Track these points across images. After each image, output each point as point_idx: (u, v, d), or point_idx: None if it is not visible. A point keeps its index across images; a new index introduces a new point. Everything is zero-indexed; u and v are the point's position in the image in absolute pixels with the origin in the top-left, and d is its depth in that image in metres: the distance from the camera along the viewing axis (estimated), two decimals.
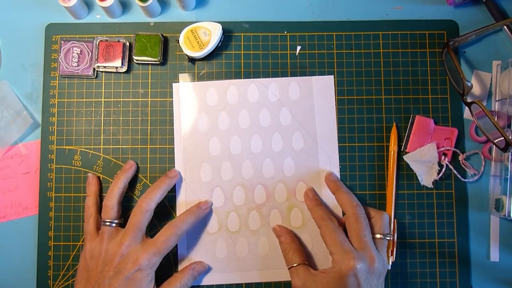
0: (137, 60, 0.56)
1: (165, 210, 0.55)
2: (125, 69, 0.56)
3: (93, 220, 0.52)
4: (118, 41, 0.56)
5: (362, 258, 0.48)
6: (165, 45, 0.57)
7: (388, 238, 0.51)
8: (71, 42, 0.56)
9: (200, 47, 0.55)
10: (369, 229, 0.50)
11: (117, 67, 0.56)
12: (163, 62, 0.57)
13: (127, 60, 0.56)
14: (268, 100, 0.56)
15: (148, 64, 0.57)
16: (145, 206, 0.51)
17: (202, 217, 0.54)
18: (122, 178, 0.53)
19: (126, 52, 0.56)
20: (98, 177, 0.55)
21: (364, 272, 0.47)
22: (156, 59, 0.56)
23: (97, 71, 0.56)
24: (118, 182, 0.53)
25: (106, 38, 0.56)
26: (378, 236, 0.51)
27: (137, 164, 0.55)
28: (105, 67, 0.56)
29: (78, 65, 0.56)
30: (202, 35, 0.55)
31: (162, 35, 0.56)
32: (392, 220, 0.54)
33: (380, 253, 0.50)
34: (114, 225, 0.51)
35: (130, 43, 0.57)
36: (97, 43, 0.56)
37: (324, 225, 0.51)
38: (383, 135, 0.56)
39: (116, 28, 0.57)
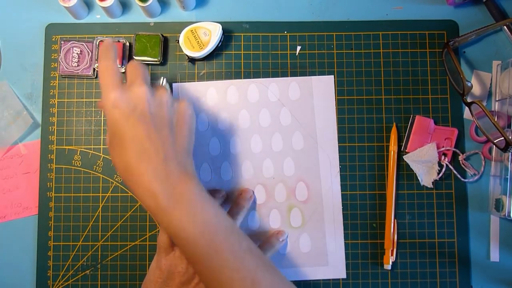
0: (137, 60, 0.56)
1: None
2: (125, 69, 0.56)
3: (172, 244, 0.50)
4: (118, 41, 0.56)
5: (123, 88, 0.44)
6: (165, 45, 0.57)
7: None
8: (71, 42, 0.56)
9: (200, 47, 0.55)
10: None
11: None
12: (163, 62, 0.57)
13: (127, 60, 0.56)
14: (268, 100, 0.56)
15: (148, 64, 0.57)
16: None
17: None
18: None
19: (126, 52, 0.56)
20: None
21: (126, 99, 0.44)
22: (156, 59, 0.56)
23: (97, 71, 0.56)
24: None
25: (106, 38, 0.56)
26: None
27: None
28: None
29: (78, 65, 0.56)
30: (202, 35, 0.55)
31: (162, 35, 0.56)
32: (392, 220, 0.54)
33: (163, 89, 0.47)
34: None
35: (130, 43, 0.56)
36: (97, 43, 0.56)
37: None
38: (383, 135, 0.56)
39: (116, 28, 0.57)
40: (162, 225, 0.45)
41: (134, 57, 0.56)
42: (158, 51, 0.56)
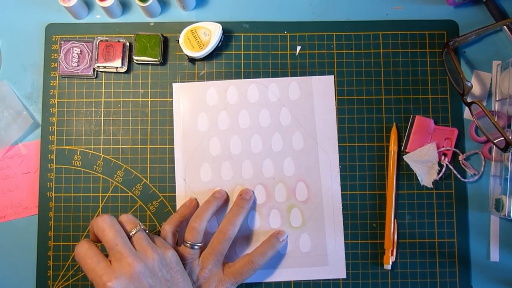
0: (137, 60, 0.56)
1: (165, 211, 0.55)
2: (125, 69, 0.56)
3: (172, 236, 0.51)
4: (118, 41, 0.56)
5: (117, 275, 0.43)
6: (165, 45, 0.57)
7: (136, 230, 0.46)
8: (71, 42, 0.56)
9: (200, 47, 0.55)
10: (120, 234, 0.45)
11: (117, 67, 0.56)
12: (163, 62, 0.57)
13: (127, 60, 0.56)
14: (268, 100, 0.56)
15: (148, 64, 0.57)
16: (230, 234, 0.51)
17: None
18: (214, 206, 0.53)
19: (126, 52, 0.56)
20: (198, 203, 0.55)
21: (125, 285, 0.43)
22: (156, 59, 0.56)
23: (97, 71, 0.56)
24: (209, 208, 0.52)
25: (106, 38, 0.56)
26: (132, 232, 0.47)
27: (227, 195, 0.55)
28: (105, 67, 0.56)
29: (78, 65, 0.56)
30: (202, 35, 0.55)
31: (162, 35, 0.56)
32: (392, 220, 0.54)
33: (146, 247, 0.46)
34: (197, 247, 0.51)
35: (130, 43, 0.57)
36: (97, 43, 0.56)
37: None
38: (383, 135, 0.56)
39: (116, 28, 0.57)
40: None
41: (134, 57, 0.56)
42: (158, 51, 0.56)
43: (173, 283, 0.46)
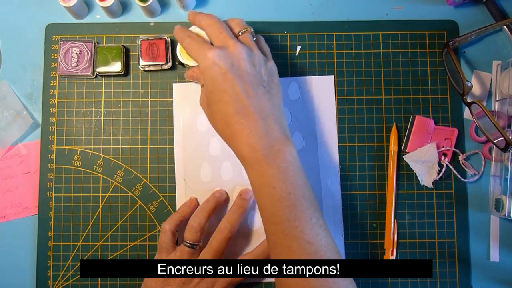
0: (99, 72, 0.55)
1: (165, 211, 0.55)
2: (170, 66, 0.55)
3: (172, 235, 0.51)
4: (160, 38, 0.55)
5: (219, 47, 0.46)
6: (127, 56, 0.56)
7: (244, 30, 0.48)
8: (70, 42, 0.56)
9: None
10: (227, 28, 0.48)
11: (161, 64, 0.55)
12: (168, 64, 0.56)
13: (170, 57, 0.55)
14: None
15: (111, 75, 0.56)
16: (229, 233, 0.51)
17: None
18: (213, 205, 0.53)
19: (169, 49, 0.55)
20: (198, 203, 0.54)
21: (224, 57, 0.45)
22: (118, 70, 0.55)
23: (143, 70, 0.56)
24: (209, 208, 0.52)
25: (148, 37, 0.55)
26: (241, 32, 0.49)
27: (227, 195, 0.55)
28: (149, 65, 0.55)
29: (77, 65, 0.56)
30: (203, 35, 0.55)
31: (124, 46, 0.56)
32: (392, 220, 0.54)
33: (252, 44, 0.48)
34: (196, 247, 0.50)
35: (172, 40, 0.56)
36: (139, 42, 0.55)
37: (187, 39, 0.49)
38: (383, 135, 0.56)
39: (116, 28, 0.57)
40: (252, 176, 0.46)
41: (96, 69, 0.55)
42: (121, 63, 0.55)
43: (269, 87, 0.47)
